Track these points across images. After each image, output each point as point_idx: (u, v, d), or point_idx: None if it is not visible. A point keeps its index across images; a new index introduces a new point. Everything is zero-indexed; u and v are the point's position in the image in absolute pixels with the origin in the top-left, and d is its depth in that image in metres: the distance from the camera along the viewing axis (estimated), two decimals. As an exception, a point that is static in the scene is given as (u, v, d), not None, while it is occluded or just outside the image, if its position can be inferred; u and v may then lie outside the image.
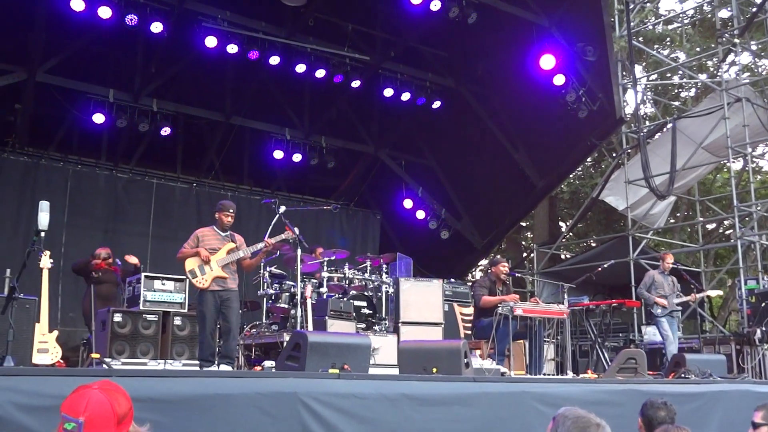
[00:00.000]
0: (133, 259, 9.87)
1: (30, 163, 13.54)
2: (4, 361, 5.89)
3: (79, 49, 13.03)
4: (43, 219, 6.70)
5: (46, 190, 12.90)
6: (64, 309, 12.33)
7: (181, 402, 4.34)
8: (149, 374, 5.45)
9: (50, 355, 6.75)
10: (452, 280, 11.91)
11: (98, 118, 13.33)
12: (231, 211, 7.57)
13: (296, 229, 8.12)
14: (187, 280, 8.86)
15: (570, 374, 9.21)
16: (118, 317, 8.38)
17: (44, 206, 6.76)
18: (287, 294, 9.66)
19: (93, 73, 13.41)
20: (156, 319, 8.61)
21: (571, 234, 21.21)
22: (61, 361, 6.91)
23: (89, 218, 13.73)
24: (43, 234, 6.70)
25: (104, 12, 11.53)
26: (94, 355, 7.32)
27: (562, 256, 19.97)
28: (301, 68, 13.68)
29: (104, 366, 7.18)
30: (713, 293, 12.47)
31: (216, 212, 7.64)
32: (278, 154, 15.43)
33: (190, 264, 7.30)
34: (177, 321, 8.77)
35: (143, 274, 9.02)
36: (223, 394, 4.53)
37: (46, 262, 6.87)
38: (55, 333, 6.89)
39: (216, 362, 7.20)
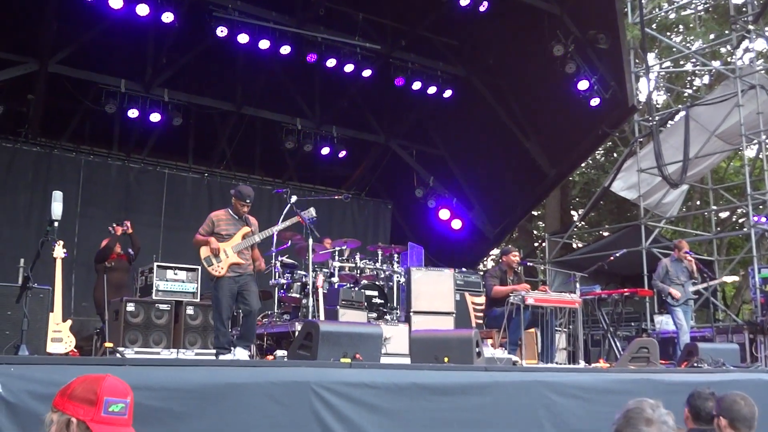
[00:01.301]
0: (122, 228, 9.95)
1: (42, 153, 13.62)
2: (18, 350, 5.93)
3: (91, 40, 13.05)
4: (57, 209, 6.73)
5: (59, 181, 12.96)
6: (77, 298, 12.42)
7: (193, 391, 4.37)
8: (162, 363, 5.48)
9: (64, 345, 6.80)
10: (463, 269, 11.90)
11: (110, 109, 13.37)
12: (248, 201, 7.38)
13: (312, 215, 8.08)
14: (200, 269, 8.95)
15: (582, 363, 9.20)
16: (130, 307, 8.43)
17: (57, 196, 6.79)
18: (299, 284, 9.67)
19: (104, 64, 13.44)
20: (168, 308, 8.65)
21: (582, 223, 21.14)
22: (75, 350, 6.96)
23: (102, 208, 13.78)
24: (56, 224, 6.73)
25: (115, 2, 11.55)
26: (108, 345, 7.37)
27: (574, 246, 19.92)
28: (312, 58, 13.66)
29: (117, 355, 7.22)
30: (729, 279, 12.38)
31: (232, 197, 7.48)
32: (289, 144, 15.43)
33: (205, 251, 7.24)
34: (189, 310, 8.81)
35: (155, 264, 9.06)
36: (235, 383, 4.55)
37: (59, 251, 6.91)
38: (69, 322, 6.94)
39: (232, 345, 7.14)
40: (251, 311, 7.27)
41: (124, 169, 14.49)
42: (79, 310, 11.96)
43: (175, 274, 9.05)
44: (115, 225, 9.97)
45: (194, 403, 4.33)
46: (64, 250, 6.98)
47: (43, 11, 12.37)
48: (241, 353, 7.03)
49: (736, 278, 13.87)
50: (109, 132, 14.74)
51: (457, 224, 16.57)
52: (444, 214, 16.58)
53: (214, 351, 8.05)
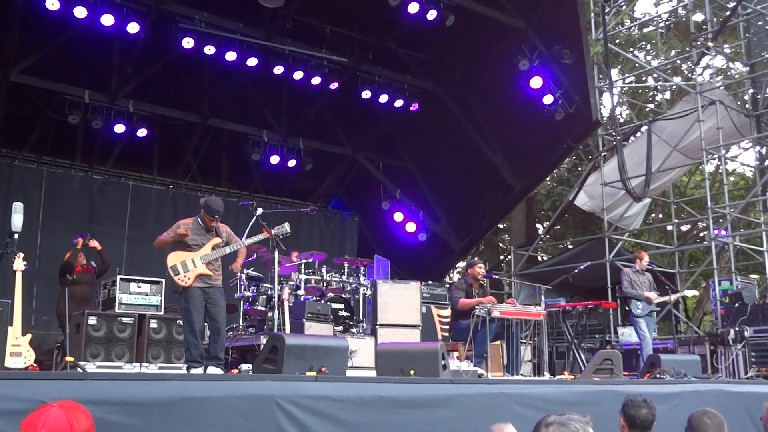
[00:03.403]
0: (93, 243, 9.83)
1: (3, 164, 13.41)
2: (-24, 365, 5.81)
3: (55, 49, 12.89)
4: (17, 221, 6.63)
5: (20, 192, 12.76)
6: (37, 312, 12.20)
7: (157, 405, 4.31)
8: (124, 378, 5.40)
9: (23, 359, 6.67)
10: (430, 282, 11.93)
11: (73, 119, 13.21)
12: (217, 216, 7.19)
13: (287, 231, 7.94)
14: (164, 282, 8.85)
15: (547, 375, 9.26)
16: (92, 320, 8.30)
17: (18, 208, 6.69)
18: (264, 297, 9.61)
19: (68, 74, 13.27)
20: (131, 321, 8.53)
21: (548, 236, 21.33)
22: (35, 365, 6.83)
23: (64, 220, 13.59)
24: (16, 236, 6.62)
25: (80, 12, 11.42)
26: (68, 359, 7.23)
27: (539, 258, 20.06)
28: (278, 70, 13.65)
29: (78, 369, 7.09)
30: (689, 293, 12.57)
31: (202, 210, 7.26)
32: (256, 156, 15.37)
33: (172, 260, 7.00)
34: (153, 324, 8.70)
35: (118, 277, 8.94)
36: (199, 397, 4.50)
37: (19, 264, 6.78)
38: (29, 336, 6.81)
39: (203, 364, 6.94)
40: (219, 328, 7.10)
41: (88, 181, 14.31)
42: (40, 323, 11.75)
43: (139, 286, 8.93)
44: (78, 238, 9.84)
45: (157, 417, 4.28)
46: (25, 263, 6.85)
47: (5, 19, 12.20)
48: (213, 371, 6.88)
49: (695, 293, 14.08)
50: (72, 143, 14.53)
51: (423, 237, 16.63)
52: (410, 226, 16.63)
53: (178, 365, 7.95)
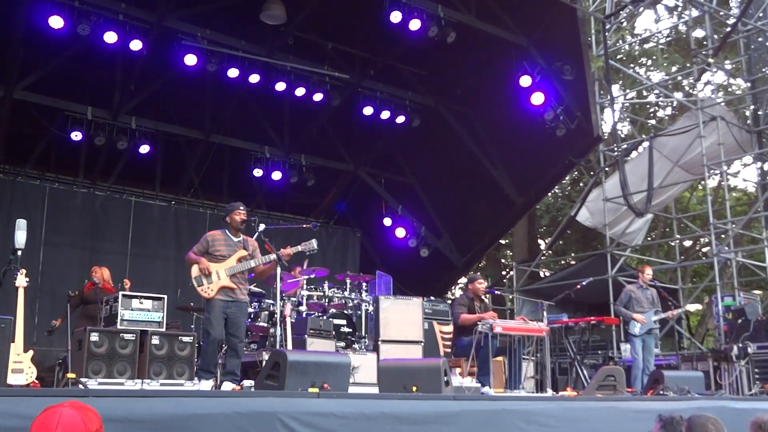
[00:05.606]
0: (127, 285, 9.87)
1: (6, 180, 13.42)
2: (-23, 382, 5.79)
3: (58, 67, 12.97)
4: (20, 237, 6.63)
5: (23, 208, 12.77)
6: (40, 328, 12.17)
7: (159, 422, 4.30)
8: (126, 394, 5.40)
9: (25, 375, 6.65)
10: (432, 298, 11.91)
11: (76, 136, 13.26)
12: (242, 208, 7.39)
13: (314, 247, 8.01)
14: (166, 298, 8.83)
15: (550, 392, 9.22)
16: (94, 336, 8.25)
17: (21, 225, 6.69)
18: (266, 312, 9.59)
19: (71, 91, 13.34)
20: (133, 338, 8.47)
21: (550, 252, 21.30)
22: (36, 381, 6.81)
23: (67, 236, 13.60)
24: (19, 252, 6.63)
25: (83, 29, 11.48)
26: (70, 375, 7.21)
27: (541, 274, 20.02)
28: (281, 86, 13.71)
29: (80, 386, 7.07)
30: (692, 307, 12.51)
31: (226, 215, 7.42)
32: (258, 172, 15.41)
33: (196, 271, 7.12)
34: (155, 340, 8.63)
35: (120, 293, 8.92)
36: (201, 414, 4.49)
37: (21, 280, 6.78)
38: (31, 353, 6.80)
39: (218, 379, 6.94)
40: (237, 344, 7.12)
41: (90, 197, 14.32)
42: (42, 340, 11.72)
43: (141, 303, 8.88)
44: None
45: (159, 434, 4.27)
46: (27, 279, 6.85)
47: (9, 37, 12.28)
48: (227, 387, 6.84)
49: (699, 306, 13.99)
50: (74, 159, 14.58)
51: (425, 252, 16.61)
52: (412, 242, 16.62)
53: (180, 381, 7.91)
